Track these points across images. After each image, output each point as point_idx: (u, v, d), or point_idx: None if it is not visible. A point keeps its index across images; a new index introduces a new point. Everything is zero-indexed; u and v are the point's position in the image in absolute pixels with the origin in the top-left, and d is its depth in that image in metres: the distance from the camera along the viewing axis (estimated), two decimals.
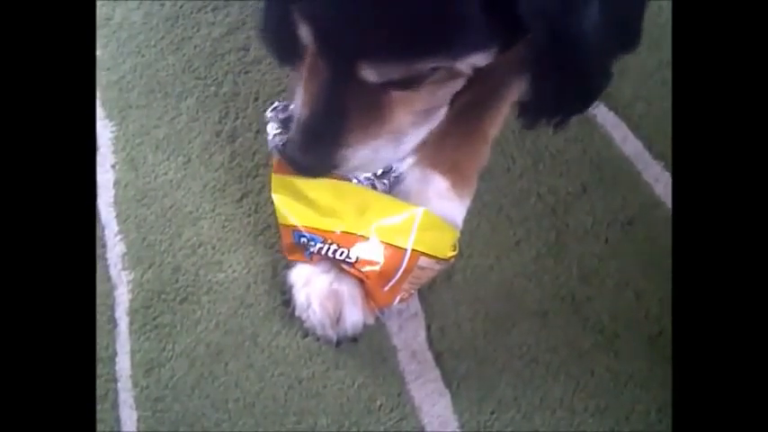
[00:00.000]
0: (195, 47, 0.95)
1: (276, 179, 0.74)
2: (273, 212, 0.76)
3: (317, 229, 0.71)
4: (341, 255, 0.70)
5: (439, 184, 0.75)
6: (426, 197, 0.73)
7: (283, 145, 0.71)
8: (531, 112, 0.69)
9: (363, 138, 0.67)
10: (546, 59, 0.60)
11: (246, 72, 0.92)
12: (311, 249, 0.71)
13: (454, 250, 0.74)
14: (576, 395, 0.71)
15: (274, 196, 0.74)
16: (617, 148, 0.84)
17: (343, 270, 0.71)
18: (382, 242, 0.70)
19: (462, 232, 0.77)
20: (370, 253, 0.70)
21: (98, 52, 0.96)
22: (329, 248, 0.71)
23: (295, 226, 0.72)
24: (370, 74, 0.61)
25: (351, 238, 0.70)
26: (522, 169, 0.83)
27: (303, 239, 0.72)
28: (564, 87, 0.64)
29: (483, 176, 0.80)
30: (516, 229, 0.80)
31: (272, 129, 0.76)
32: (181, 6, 0.99)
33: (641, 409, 0.70)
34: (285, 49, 0.72)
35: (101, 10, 0.99)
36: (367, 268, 0.70)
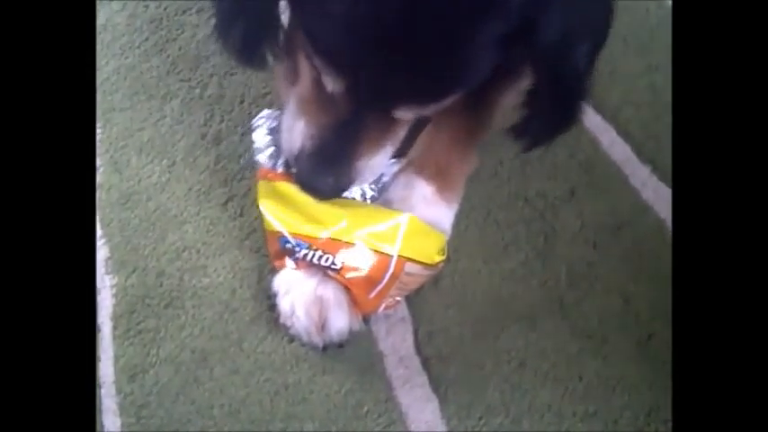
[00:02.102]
0: (180, 49, 0.94)
1: (263, 185, 0.74)
2: (259, 216, 0.76)
3: (302, 235, 0.71)
4: (326, 261, 0.70)
5: (424, 190, 0.74)
6: (412, 202, 0.73)
7: (296, 172, 0.71)
8: (527, 137, 0.71)
9: (376, 150, 0.69)
10: (541, 90, 0.64)
11: (232, 74, 0.92)
12: (297, 255, 0.71)
13: (442, 255, 0.74)
14: (564, 400, 0.71)
15: (261, 204, 0.73)
16: (604, 153, 0.84)
17: (328, 276, 0.71)
18: (368, 248, 0.69)
19: (450, 236, 0.76)
20: (355, 259, 0.70)
21: None
22: (314, 255, 0.70)
23: (281, 233, 0.71)
24: (404, 114, 0.65)
25: (336, 244, 0.70)
26: (509, 173, 0.83)
27: (289, 245, 0.71)
28: (557, 110, 0.67)
29: (471, 180, 0.79)
30: (504, 234, 0.80)
31: (258, 137, 0.76)
32: (165, 8, 0.98)
33: (630, 414, 0.70)
34: (243, 49, 0.71)
35: None
36: (352, 274, 0.70)
